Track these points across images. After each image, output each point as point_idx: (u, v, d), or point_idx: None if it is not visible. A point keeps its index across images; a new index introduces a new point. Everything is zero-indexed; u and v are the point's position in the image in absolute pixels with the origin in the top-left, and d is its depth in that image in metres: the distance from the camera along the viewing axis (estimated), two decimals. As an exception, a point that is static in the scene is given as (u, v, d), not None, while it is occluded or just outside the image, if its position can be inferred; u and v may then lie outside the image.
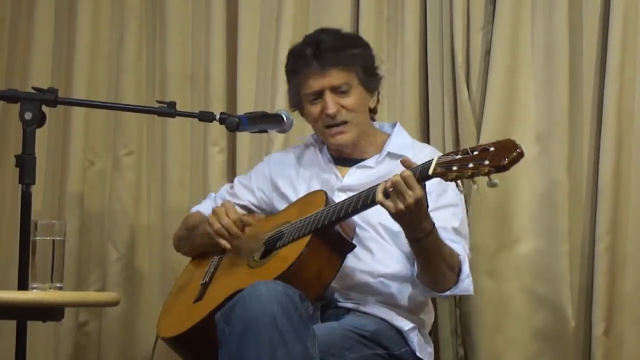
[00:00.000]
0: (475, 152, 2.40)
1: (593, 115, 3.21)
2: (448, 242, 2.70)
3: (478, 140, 3.25)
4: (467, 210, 3.16)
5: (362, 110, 2.94)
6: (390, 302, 2.81)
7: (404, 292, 2.82)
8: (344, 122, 2.90)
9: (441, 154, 2.51)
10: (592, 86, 3.22)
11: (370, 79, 2.94)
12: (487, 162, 2.35)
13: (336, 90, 2.88)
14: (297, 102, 2.97)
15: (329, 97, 2.88)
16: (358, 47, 2.94)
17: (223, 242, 2.83)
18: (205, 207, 3.13)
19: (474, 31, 3.31)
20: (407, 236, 2.62)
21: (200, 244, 3.02)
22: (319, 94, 2.89)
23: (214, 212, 2.88)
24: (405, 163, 2.53)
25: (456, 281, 2.72)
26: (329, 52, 2.86)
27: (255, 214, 3.03)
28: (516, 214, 3.22)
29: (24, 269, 2.56)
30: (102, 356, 3.63)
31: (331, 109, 2.87)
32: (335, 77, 2.87)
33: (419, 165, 2.51)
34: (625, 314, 3.13)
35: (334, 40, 2.90)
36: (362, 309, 2.79)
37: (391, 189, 2.51)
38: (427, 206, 2.56)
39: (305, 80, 2.90)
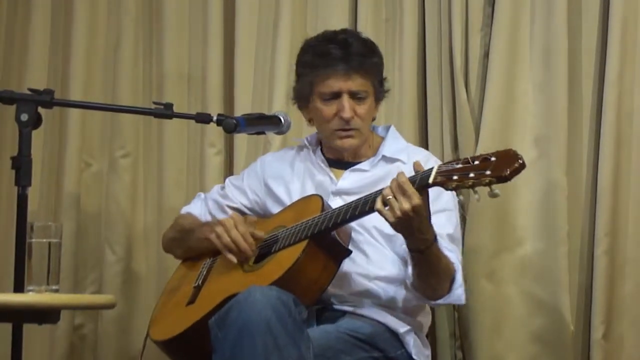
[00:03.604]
0: (477, 162, 2.38)
1: (592, 117, 3.21)
2: (444, 251, 2.69)
3: (477, 142, 3.24)
4: (465, 213, 3.17)
5: (369, 120, 2.94)
6: (386, 304, 2.80)
7: (399, 295, 2.81)
8: (354, 129, 2.89)
9: (441, 162, 2.50)
10: (591, 88, 3.22)
11: (381, 90, 2.94)
12: (488, 173, 2.34)
13: (354, 95, 2.86)
14: (304, 97, 2.94)
15: (346, 101, 2.86)
16: (378, 57, 2.93)
17: (231, 256, 2.79)
18: (196, 209, 3.12)
19: (472, 33, 3.31)
20: (408, 247, 2.61)
21: (195, 248, 3.00)
22: (336, 96, 2.87)
23: (221, 223, 2.83)
24: (417, 166, 2.52)
25: (449, 290, 2.71)
26: (357, 57, 2.84)
27: (247, 216, 3.02)
28: (515, 216, 3.21)
29: (20, 271, 2.55)
30: (97, 359, 3.61)
31: (348, 113, 2.85)
32: (357, 82, 2.85)
33: (419, 173, 2.50)
34: (625, 317, 3.13)
35: (361, 45, 2.88)
36: (358, 311, 2.78)
37: (389, 197, 2.50)
38: (430, 217, 2.54)
39: (325, 79, 2.86)
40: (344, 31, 2.97)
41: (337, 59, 2.84)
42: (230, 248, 2.79)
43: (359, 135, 2.90)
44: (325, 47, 2.88)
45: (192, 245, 3.02)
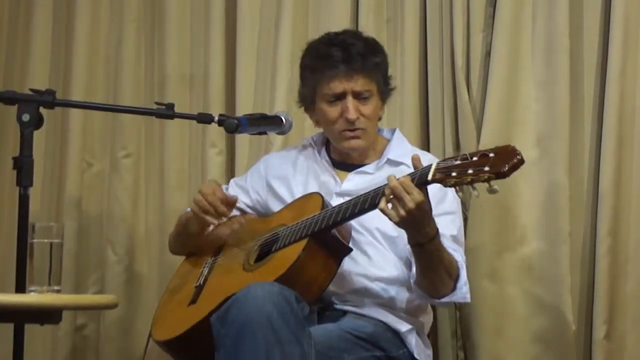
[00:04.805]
0: (475, 158, 2.38)
1: (594, 116, 3.21)
2: (447, 249, 2.69)
3: (478, 142, 3.24)
4: (467, 213, 3.17)
5: (376, 120, 2.94)
6: (387, 304, 2.80)
7: (401, 295, 2.81)
8: (360, 129, 2.89)
9: (440, 160, 2.49)
10: (592, 88, 3.22)
11: (386, 89, 2.95)
12: (487, 169, 2.34)
13: (358, 96, 2.87)
14: (309, 99, 2.95)
15: (350, 102, 2.86)
16: (381, 55, 2.93)
17: (209, 218, 2.85)
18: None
19: (474, 33, 3.31)
20: (409, 241, 2.61)
21: (192, 233, 2.99)
22: (340, 97, 2.87)
23: (200, 191, 2.90)
24: (415, 161, 2.52)
25: (454, 288, 2.71)
26: (358, 57, 2.85)
27: (247, 214, 3.02)
28: (517, 216, 3.21)
29: (22, 272, 2.55)
30: (100, 359, 3.61)
31: (352, 114, 2.86)
32: (360, 83, 2.86)
33: (418, 170, 2.50)
34: (627, 316, 3.13)
35: (362, 45, 2.88)
36: (360, 311, 2.79)
37: (391, 196, 2.49)
38: (431, 210, 2.55)
39: (328, 81, 2.87)
40: (344, 32, 2.97)
41: (339, 60, 2.85)
42: (207, 210, 2.84)
43: (366, 136, 2.91)
44: (326, 49, 2.89)
45: (189, 231, 3.01)
